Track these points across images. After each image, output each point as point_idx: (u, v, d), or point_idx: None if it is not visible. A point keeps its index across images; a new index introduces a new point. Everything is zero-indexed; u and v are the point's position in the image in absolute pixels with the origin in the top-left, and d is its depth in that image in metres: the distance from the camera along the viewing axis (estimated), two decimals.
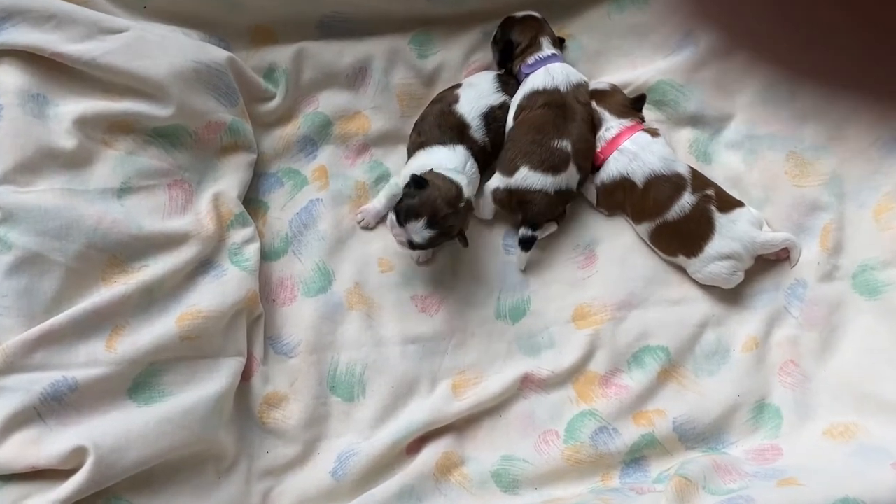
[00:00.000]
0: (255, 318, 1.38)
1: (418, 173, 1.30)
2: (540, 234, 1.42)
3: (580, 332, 1.40)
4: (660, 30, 1.53)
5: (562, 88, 1.43)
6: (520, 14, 1.49)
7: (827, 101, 1.43)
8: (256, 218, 1.45)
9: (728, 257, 1.37)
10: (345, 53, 1.51)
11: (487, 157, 1.44)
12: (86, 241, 1.22)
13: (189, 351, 1.25)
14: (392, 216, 1.31)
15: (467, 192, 1.33)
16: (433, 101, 1.49)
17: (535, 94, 1.43)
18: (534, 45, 1.47)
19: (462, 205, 1.31)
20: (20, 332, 1.14)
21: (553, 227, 1.44)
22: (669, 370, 1.37)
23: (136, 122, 1.32)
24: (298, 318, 1.40)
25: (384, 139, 1.51)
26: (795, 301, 1.39)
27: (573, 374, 1.38)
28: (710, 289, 1.41)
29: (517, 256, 1.44)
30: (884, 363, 1.29)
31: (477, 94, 1.45)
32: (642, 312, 1.40)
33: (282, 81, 1.50)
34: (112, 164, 1.30)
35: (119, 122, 1.31)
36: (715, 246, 1.37)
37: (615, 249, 1.45)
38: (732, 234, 1.37)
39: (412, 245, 1.31)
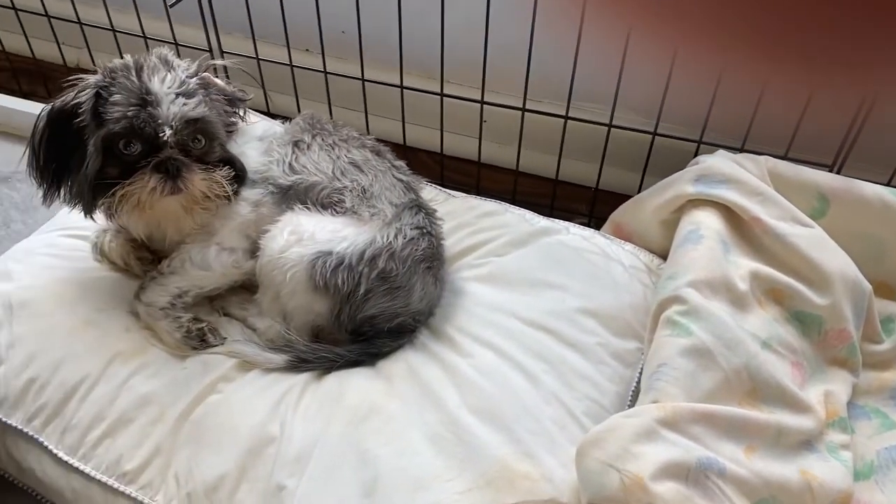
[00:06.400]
0: None
1: None
2: None
3: None
4: None
5: None
6: None
7: None
8: None
9: None
10: None
11: None
12: (745, 362, 1.29)
13: None
14: None
15: None
16: None
17: None
18: None
19: None
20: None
21: None
22: None
23: (790, 298, 1.44)
24: None
25: None
26: None
27: None
28: None
29: None
30: None
31: None
32: None
33: (894, 332, 1.56)
34: (761, 320, 1.40)
35: (777, 291, 1.44)
36: None
37: None
38: None
39: None
